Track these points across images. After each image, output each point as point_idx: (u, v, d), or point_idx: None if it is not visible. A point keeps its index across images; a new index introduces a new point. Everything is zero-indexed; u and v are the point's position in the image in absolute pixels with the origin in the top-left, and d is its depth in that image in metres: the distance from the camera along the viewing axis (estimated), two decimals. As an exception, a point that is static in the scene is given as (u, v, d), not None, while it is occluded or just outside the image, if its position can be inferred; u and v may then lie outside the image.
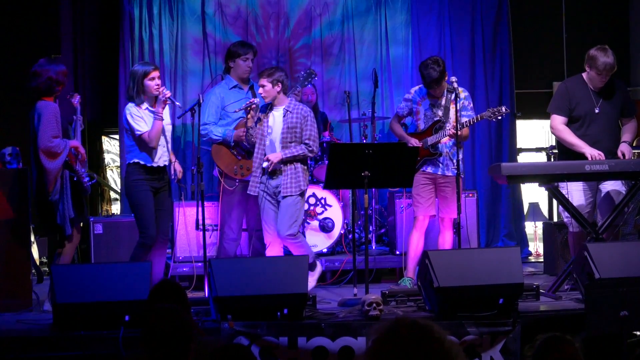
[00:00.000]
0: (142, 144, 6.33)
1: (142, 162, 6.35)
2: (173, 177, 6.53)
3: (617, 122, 6.77)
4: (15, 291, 6.35)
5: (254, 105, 6.66)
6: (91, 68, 8.87)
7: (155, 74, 6.40)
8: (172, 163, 6.52)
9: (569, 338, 3.26)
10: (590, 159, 6.42)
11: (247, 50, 7.06)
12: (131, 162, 6.38)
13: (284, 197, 6.52)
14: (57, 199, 6.07)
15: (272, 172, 6.58)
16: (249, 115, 6.67)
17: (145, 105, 6.38)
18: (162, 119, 6.35)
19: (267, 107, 6.70)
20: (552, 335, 3.27)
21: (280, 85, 6.59)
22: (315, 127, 6.68)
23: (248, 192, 6.66)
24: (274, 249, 6.62)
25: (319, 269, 6.74)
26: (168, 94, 6.42)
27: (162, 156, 6.44)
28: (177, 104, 6.79)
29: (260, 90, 6.64)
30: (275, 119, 6.65)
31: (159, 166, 6.40)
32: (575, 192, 6.63)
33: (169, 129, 6.53)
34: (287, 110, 6.63)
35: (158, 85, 6.38)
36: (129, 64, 8.45)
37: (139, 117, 6.34)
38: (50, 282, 6.05)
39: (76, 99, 6.34)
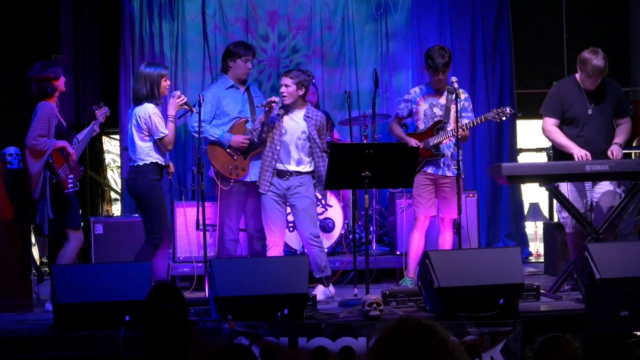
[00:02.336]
0: (161, 146, 6.36)
1: (159, 162, 6.39)
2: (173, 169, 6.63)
3: (612, 123, 6.77)
4: (15, 291, 6.35)
5: (273, 104, 6.55)
6: (91, 68, 8.87)
7: (167, 75, 6.49)
8: None
9: (569, 338, 3.26)
10: (577, 159, 6.43)
11: (248, 52, 7.05)
12: (148, 162, 6.34)
13: (301, 197, 6.59)
14: (38, 197, 6.10)
15: (282, 174, 6.59)
16: (265, 112, 6.57)
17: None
18: (175, 122, 6.42)
19: (283, 109, 6.67)
20: (552, 335, 3.27)
21: (303, 89, 6.61)
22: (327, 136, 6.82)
23: (260, 190, 6.64)
24: (275, 250, 6.62)
25: (331, 289, 6.72)
26: (184, 99, 6.46)
27: (166, 157, 6.51)
28: (194, 110, 6.60)
29: (283, 89, 6.58)
30: (291, 123, 6.64)
31: (166, 164, 6.48)
32: (570, 193, 6.63)
33: None
34: (308, 117, 6.64)
35: (168, 85, 6.48)
36: (129, 64, 8.45)
37: (162, 119, 6.38)
38: (50, 282, 6.07)
39: (102, 111, 6.41)
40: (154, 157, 6.36)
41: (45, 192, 6.09)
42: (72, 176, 6.21)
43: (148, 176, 6.34)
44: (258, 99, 7.08)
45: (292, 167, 6.61)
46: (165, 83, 6.40)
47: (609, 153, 6.53)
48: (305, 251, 6.84)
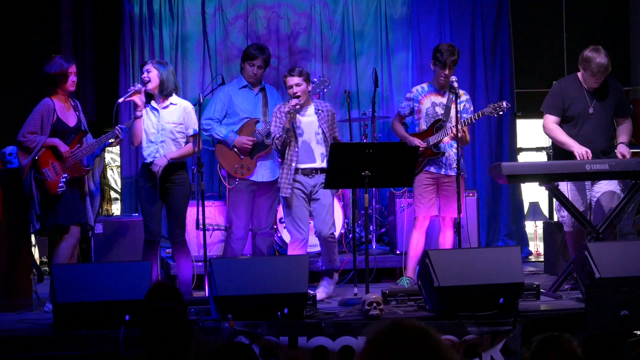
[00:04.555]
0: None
1: (143, 160, 6.56)
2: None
3: (612, 122, 6.78)
4: (15, 291, 6.35)
5: (298, 107, 6.51)
6: (91, 68, 8.86)
7: (146, 67, 6.52)
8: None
9: (567, 336, 3.24)
10: (578, 157, 6.43)
11: (255, 56, 7.06)
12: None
13: (326, 193, 6.62)
14: (27, 194, 6.14)
15: (308, 172, 6.61)
16: (289, 117, 6.48)
17: (152, 101, 6.54)
18: (138, 117, 6.43)
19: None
20: (549, 334, 3.26)
21: (310, 84, 6.66)
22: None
23: (281, 194, 6.61)
24: (303, 249, 6.61)
25: (335, 278, 6.76)
26: (132, 88, 6.48)
27: (152, 154, 6.50)
28: (139, 103, 6.47)
29: (296, 89, 6.50)
30: (306, 120, 6.64)
31: (148, 162, 6.50)
32: (570, 192, 6.63)
33: (168, 127, 6.54)
34: (318, 110, 6.67)
35: (142, 80, 6.47)
36: (129, 63, 8.45)
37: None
38: (50, 282, 6.07)
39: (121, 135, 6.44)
40: (141, 155, 6.57)
41: (32, 189, 6.11)
42: (65, 175, 6.18)
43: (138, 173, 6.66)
44: (274, 100, 7.17)
45: (318, 164, 6.62)
46: (142, 76, 6.51)
47: (619, 154, 6.53)
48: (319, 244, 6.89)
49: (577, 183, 6.66)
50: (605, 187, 6.65)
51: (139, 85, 6.43)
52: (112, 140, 6.47)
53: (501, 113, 6.84)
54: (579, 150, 6.47)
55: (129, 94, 6.43)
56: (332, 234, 6.72)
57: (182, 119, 6.56)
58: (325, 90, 7.36)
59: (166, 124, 6.51)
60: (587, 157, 6.42)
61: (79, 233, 6.36)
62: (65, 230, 6.28)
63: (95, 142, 6.40)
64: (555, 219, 8.58)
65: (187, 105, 6.62)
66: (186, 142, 6.56)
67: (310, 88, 6.64)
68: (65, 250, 6.26)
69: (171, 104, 6.55)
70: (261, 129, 6.95)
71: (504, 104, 6.78)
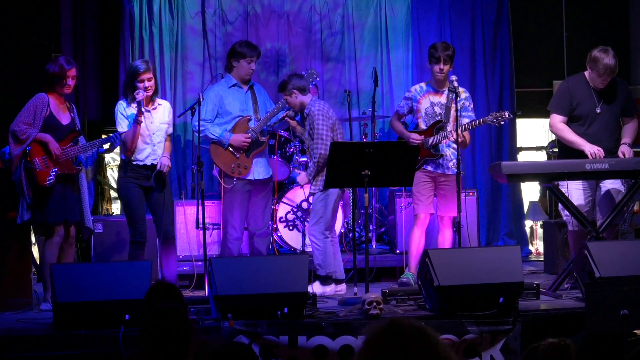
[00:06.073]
0: (122, 143, 6.45)
1: (125, 159, 6.51)
2: (158, 167, 6.51)
3: (618, 122, 6.78)
4: (15, 291, 6.35)
5: (287, 118, 6.89)
6: (91, 67, 8.87)
7: (145, 75, 6.43)
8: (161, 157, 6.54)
9: (555, 340, 3.22)
10: (590, 156, 6.42)
11: (253, 53, 7.06)
12: (122, 158, 6.59)
13: (311, 194, 6.95)
14: (17, 183, 6.15)
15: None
16: (291, 125, 7.04)
17: (134, 104, 6.45)
18: (139, 123, 6.39)
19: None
20: (532, 345, 3.24)
21: (296, 92, 6.79)
22: (320, 127, 6.75)
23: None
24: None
25: (332, 288, 6.74)
26: (139, 96, 6.36)
27: (150, 155, 6.51)
28: (143, 110, 6.42)
29: (287, 104, 6.87)
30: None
31: (144, 164, 6.50)
32: (575, 190, 6.63)
33: (162, 127, 6.58)
34: (306, 114, 6.87)
35: (146, 88, 6.39)
36: (129, 62, 8.43)
37: (123, 117, 6.51)
38: (44, 282, 6.09)
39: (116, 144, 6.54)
40: (122, 155, 6.56)
41: (22, 179, 6.10)
42: (55, 169, 6.17)
43: (119, 173, 6.65)
44: (262, 98, 7.18)
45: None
46: (139, 84, 6.40)
47: (620, 154, 6.53)
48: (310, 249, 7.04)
49: (582, 181, 6.65)
50: (610, 186, 6.65)
51: (143, 93, 6.39)
52: (107, 146, 6.56)
53: (502, 123, 6.82)
54: (591, 149, 6.45)
55: (142, 104, 6.39)
56: (313, 235, 6.79)
57: (169, 118, 6.69)
58: (313, 82, 7.32)
59: (160, 125, 6.58)
60: (599, 156, 6.42)
61: (65, 231, 6.30)
62: (54, 227, 6.25)
63: (90, 144, 6.40)
64: (556, 218, 8.59)
65: (168, 104, 6.80)
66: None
67: (297, 96, 6.79)
68: (50, 248, 6.21)
69: (158, 104, 6.62)
70: (254, 126, 6.95)
71: (506, 114, 6.72)
